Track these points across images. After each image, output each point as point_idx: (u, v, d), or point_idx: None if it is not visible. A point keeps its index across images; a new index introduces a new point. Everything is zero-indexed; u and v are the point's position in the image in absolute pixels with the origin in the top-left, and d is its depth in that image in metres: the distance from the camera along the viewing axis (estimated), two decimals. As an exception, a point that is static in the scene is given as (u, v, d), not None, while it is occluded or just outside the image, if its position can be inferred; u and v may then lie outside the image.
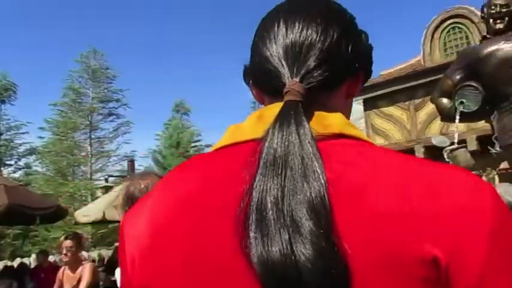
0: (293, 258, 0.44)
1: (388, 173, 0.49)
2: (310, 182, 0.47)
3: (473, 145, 10.16)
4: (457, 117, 3.40)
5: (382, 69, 14.59)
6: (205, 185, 0.54)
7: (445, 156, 3.37)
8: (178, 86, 55.00)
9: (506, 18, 3.34)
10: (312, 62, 0.56)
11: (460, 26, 11.20)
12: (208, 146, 23.92)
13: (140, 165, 18.97)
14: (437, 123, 11.15)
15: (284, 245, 0.45)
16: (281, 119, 0.52)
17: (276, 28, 0.60)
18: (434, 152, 10.83)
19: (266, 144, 0.51)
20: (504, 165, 9.71)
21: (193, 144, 21.98)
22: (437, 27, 11.51)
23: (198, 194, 0.53)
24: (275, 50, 0.58)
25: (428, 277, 0.45)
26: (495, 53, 3.28)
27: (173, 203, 0.55)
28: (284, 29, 0.59)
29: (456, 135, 3.46)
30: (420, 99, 11.46)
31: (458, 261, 0.46)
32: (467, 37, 11.11)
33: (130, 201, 1.23)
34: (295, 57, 0.57)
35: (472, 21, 10.75)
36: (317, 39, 0.57)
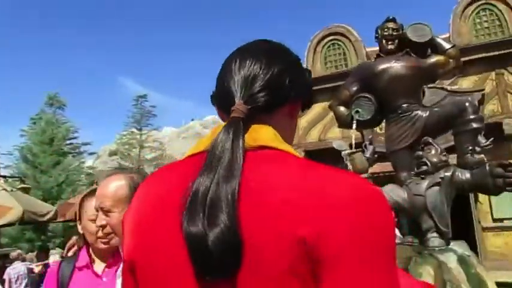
0: (205, 233, 0.62)
1: (289, 175, 0.66)
2: (230, 181, 0.65)
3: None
4: (354, 124, 3.77)
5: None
6: (171, 186, 0.73)
7: (344, 159, 3.70)
8: (49, 82, 50.14)
9: (396, 41, 3.83)
10: (255, 89, 0.75)
11: (338, 42, 12.31)
12: (85, 144, 22.15)
13: (1, 163, 16.72)
14: (317, 130, 12.12)
15: (201, 224, 0.63)
16: (224, 131, 0.71)
17: (233, 65, 0.79)
18: (313, 156, 11.72)
19: (210, 149, 0.70)
20: (372, 169, 10.80)
21: (68, 142, 20.06)
22: (319, 42, 12.48)
23: (166, 194, 0.73)
24: (231, 81, 0.77)
25: (301, 253, 0.61)
26: (387, 70, 3.73)
27: (148, 201, 0.75)
28: (238, 65, 0.78)
29: (353, 140, 3.82)
30: (304, 107, 12.31)
31: (321, 242, 0.61)
32: (344, 53, 12.27)
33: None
34: (244, 86, 0.75)
35: (349, 40, 11.93)
36: (260, 72, 0.76)
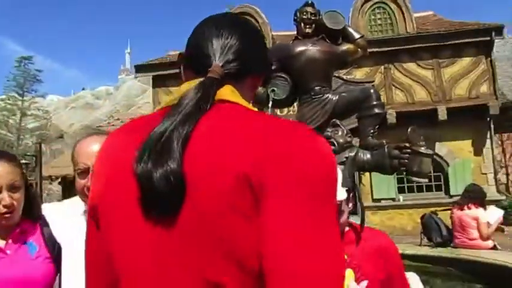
0: (151, 172, 0.68)
1: (240, 122, 0.73)
2: (185, 125, 0.71)
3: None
4: (270, 102, 3.89)
5: (171, 49, 14.88)
6: (136, 134, 0.76)
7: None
8: None
9: (314, 25, 4.00)
10: (230, 57, 0.83)
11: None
12: None
13: None
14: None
15: (150, 163, 0.68)
16: (197, 86, 0.77)
17: (210, 32, 0.85)
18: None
19: (178, 100, 0.76)
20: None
21: None
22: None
23: (131, 141, 0.76)
24: (209, 46, 0.84)
25: (242, 188, 0.66)
26: (304, 53, 3.89)
27: (112, 150, 0.81)
28: (216, 34, 0.85)
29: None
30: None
31: (263, 177, 0.65)
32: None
33: None
34: (221, 52, 0.83)
35: (257, 21, 12.09)
36: (236, 43, 0.84)
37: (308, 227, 0.63)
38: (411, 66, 11.79)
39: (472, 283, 4.13)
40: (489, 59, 11.59)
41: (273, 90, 3.98)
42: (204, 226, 0.67)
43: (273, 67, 4.11)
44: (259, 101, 4.27)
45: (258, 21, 12.08)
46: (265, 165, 0.66)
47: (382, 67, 11.64)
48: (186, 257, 0.68)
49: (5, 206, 1.41)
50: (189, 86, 0.78)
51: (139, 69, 12.94)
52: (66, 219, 1.50)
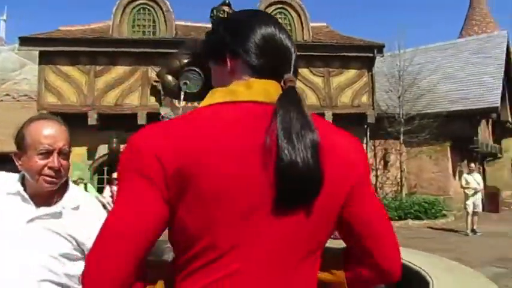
0: (307, 165, 0.77)
1: (334, 130, 0.91)
2: (312, 132, 0.79)
3: (143, 119, 11.27)
4: (182, 95, 3.96)
5: (62, 24, 13.79)
6: (231, 120, 0.79)
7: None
8: None
9: (228, 25, 4.17)
10: (294, 64, 0.90)
11: (149, 8, 12.08)
12: None
13: None
14: (114, 94, 11.67)
15: (302, 156, 0.76)
16: (290, 95, 0.83)
17: (278, 37, 0.88)
18: (107, 121, 11.27)
19: (279, 107, 0.80)
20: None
21: None
22: (129, 3, 11.98)
23: (226, 130, 0.78)
24: (281, 53, 0.88)
25: (352, 188, 0.87)
26: (218, 50, 4.05)
27: (215, 131, 0.78)
28: (282, 39, 0.89)
29: (181, 111, 4.00)
30: (102, 67, 11.62)
31: (361, 180, 0.89)
32: (154, 20, 12.13)
33: None
34: (291, 60, 0.89)
35: (161, 8, 11.86)
36: (293, 51, 0.91)
37: (379, 202, 0.95)
38: (305, 71, 12.67)
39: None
40: (370, 73, 13.01)
41: (185, 83, 4.06)
42: (323, 211, 0.83)
43: (186, 60, 4.18)
44: (170, 94, 4.31)
45: (162, 9, 11.87)
46: (364, 169, 0.90)
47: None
48: (303, 234, 0.82)
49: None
50: (269, 87, 0.84)
51: (24, 41, 11.76)
52: None
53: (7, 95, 16.83)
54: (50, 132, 1.44)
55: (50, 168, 1.42)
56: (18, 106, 16.00)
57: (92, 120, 11.16)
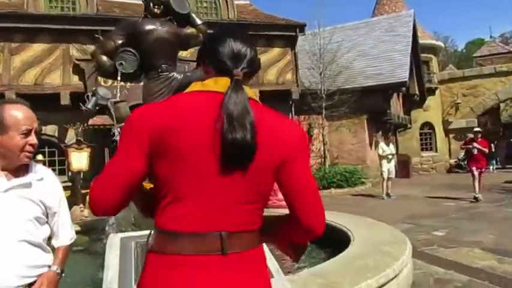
0: (239, 140, 1.11)
1: (271, 113, 1.23)
2: (249, 114, 1.14)
3: (66, 100, 10.83)
4: (119, 75, 4.06)
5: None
6: (197, 104, 1.17)
7: (109, 106, 3.96)
8: None
9: (162, 6, 4.29)
10: (245, 63, 1.23)
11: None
12: None
13: None
14: (33, 73, 11.04)
15: (237, 135, 1.11)
16: (233, 87, 1.17)
17: (229, 43, 1.24)
18: (25, 99, 10.59)
19: (227, 96, 1.16)
20: (92, 121, 10.86)
21: None
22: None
23: (194, 107, 1.16)
24: (230, 54, 1.23)
25: (280, 164, 1.20)
26: (153, 32, 4.17)
27: (182, 108, 1.16)
28: (233, 44, 1.24)
29: (119, 90, 4.10)
30: (18, 44, 10.90)
31: (293, 154, 1.21)
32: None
33: None
34: (239, 60, 1.23)
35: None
36: (248, 52, 1.25)
37: (308, 172, 1.24)
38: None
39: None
40: (293, 51, 13.56)
41: (121, 64, 4.15)
42: (256, 172, 1.16)
43: (120, 41, 4.26)
44: (106, 74, 4.38)
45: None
46: (295, 145, 1.21)
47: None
48: (239, 186, 1.15)
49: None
50: (227, 82, 1.18)
51: None
52: None
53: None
54: (28, 114, 1.68)
55: (30, 145, 1.66)
56: None
57: (9, 101, 10.50)
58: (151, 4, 4.26)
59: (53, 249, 1.83)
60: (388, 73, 16.59)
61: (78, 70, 11.05)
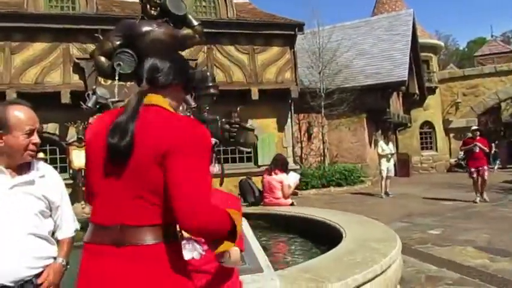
0: (117, 143, 1.33)
1: (160, 118, 1.36)
2: (132, 119, 1.34)
3: (66, 98, 10.93)
4: (117, 76, 4.13)
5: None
6: (111, 115, 1.43)
7: (111, 106, 4.04)
8: None
9: (159, 8, 4.36)
10: (151, 76, 1.44)
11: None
12: None
13: None
14: (34, 72, 11.13)
15: (116, 138, 1.32)
16: (134, 96, 1.41)
17: (144, 59, 1.55)
18: (27, 100, 10.70)
19: (126, 104, 1.43)
20: (93, 119, 10.94)
21: None
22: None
23: (108, 118, 1.42)
24: (142, 69, 1.50)
25: (162, 161, 1.29)
26: (149, 33, 4.24)
27: (98, 126, 1.45)
28: (146, 60, 1.52)
29: (116, 89, 4.18)
30: (18, 43, 11.00)
31: (170, 150, 1.30)
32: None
33: None
34: (147, 74, 1.46)
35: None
36: (158, 66, 1.46)
37: (191, 172, 1.27)
38: (231, 49, 12.96)
39: (274, 231, 5.28)
40: (292, 50, 13.62)
41: (119, 65, 4.21)
42: (138, 170, 1.31)
43: (118, 42, 4.33)
44: (104, 74, 4.45)
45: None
46: (176, 143, 1.28)
47: (205, 47, 12.44)
48: (128, 183, 1.32)
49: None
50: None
51: None
52: None
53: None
54: (30, 115, 1.78)
55: (33, 144, 1.77)
56: None
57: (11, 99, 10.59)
58: (148, 6, 4.33)
59: (57, 242, 1.94)
60: (388, 72, 16.66)
61: (78, 69, 11.14)
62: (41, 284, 1.76)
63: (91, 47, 10.58)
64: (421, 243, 6.04)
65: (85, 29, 10.73)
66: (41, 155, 9.17)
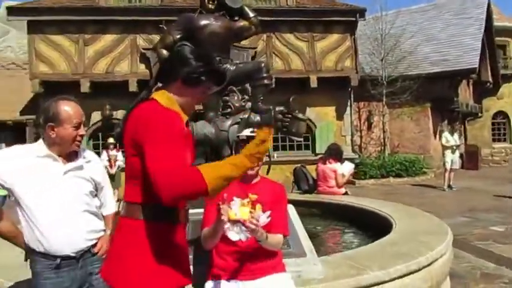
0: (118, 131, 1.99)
1: (137, 112, 1.58)
2: (127, 112, 1.64)
3: (134, 87, 11.59)
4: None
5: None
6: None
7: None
8: None
9: (216, 2, 4.54)
10: (157, 76, 1.73)
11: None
12: None
13: None
14: (105, 62, 11.91)
15: (118, 128, 2.06)
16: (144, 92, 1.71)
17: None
18: (99, 88, 11.57)
19: None
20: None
21: None
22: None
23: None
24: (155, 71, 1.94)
25: (135, 148, 1.55)
26: (207, 26, 4.44)
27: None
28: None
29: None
30: (90, 35, 11.78)
31: (137, 136, 1.53)
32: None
33: None
34: (155, 74, 1.77)
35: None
36: (159, 68, 1.83)
37: (155, 150, 1.44)
38: (290, 37, 12.96)
39: (326, 219, 5.35)
40: (353, 37, 13.33)
41: (179, 57, 4.49)
42: (128, 155, 1.60)
43: (178, 36, 4.58)
44: (165, 65, 4.75)
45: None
46: (136, 130, 1.52)
47: (265, 35, 12.55)
48: (127, 165, 1.64)
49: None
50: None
51: (12, 11, 11.81)
52: (26, 160, 1.98)
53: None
54: (78, 109, 2.03)
55: (80, 135, 2.04)
56: (7, 75, 16.12)
57: (85, 88, 11.44)
58: (206, 0, 4.53)
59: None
60: (456, 59, 15.79)
61: (144, 59, 11.75)
62: (96, 253, 2.06)
63: (156, 37, 11.09)
64: (482, 239, 5.83)
65: (151, 20, 11.26)
66: (111, 139, 9.83)
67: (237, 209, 1.85)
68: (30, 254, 2.00)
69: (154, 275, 1.52)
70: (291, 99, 4.39)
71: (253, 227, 1.84)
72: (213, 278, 2.15)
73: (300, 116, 4.30)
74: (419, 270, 2.81)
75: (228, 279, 2.11)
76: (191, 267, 1.74)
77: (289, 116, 4.28)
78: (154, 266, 1.52)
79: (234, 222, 1.85)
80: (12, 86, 14.95)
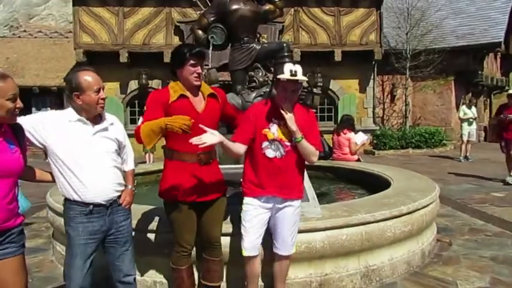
0: None
1: None
2: None
3: (168, 58, 12.36)
4: (211, 47, 5.13)
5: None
6: None
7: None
8: None
9: (245, -12, 5.20)
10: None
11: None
12: None
13: None
14: (142, 34, 12.73)
15: None
16: None
17: None
18: (136, 59, 12.44)
19: None
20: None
21: None
22: None
23: None
24: None
25: None
26: (238, 10, 5.11)
27: None
28: None
29: (210, 58, 5.20)
30: (129, 8, 12.57)
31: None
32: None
33: None
34: None
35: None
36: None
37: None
38: (316, 11, 13.38)
39: (338, 181, 6.10)
40: (379, 11, 13.62)
41: (212, 37, 5.20)
42: None
43: (212, 19, 5.30)
44: (200, 44, 5.48)
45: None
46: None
47: (292, 9, 13.03)
48: None
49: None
50: None
51: (57, -15, 12.69)
52: (61, 124, 2.23)
53: (39, 31, 17.93)
54: (96, 76, 2.25)
55: (101, 99, 2.27)
56: (51, 43, 17.18)
57: (123, 58, 12.34)
58: (237, -14, 5.19)
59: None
60: (481, 32, 15.78)
61: (178, 31, 12.50)
62: (121, 204, 2.37)
63: (189, 11, 11.82)
64: (480, 203, 6.37)
65: (184, -6, 11.93)
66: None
67: (275, 130, 2.34)
68: (65, 201, 2.28)
69: (168, 187, 2.57)
70: (308, 75, 5.06)
71: (293, 127, 2.43)
72: (248, 191, 2.60)
73: (315, 90, 5.01)
74: (401, 216, 3.54)
75: (261, 194, 2.57)
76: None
77: (305, 90, 4.99)
78: (167, 184, 2.57)
79: (272, 141, 2.37)
80: (56, 54, 16.03)
